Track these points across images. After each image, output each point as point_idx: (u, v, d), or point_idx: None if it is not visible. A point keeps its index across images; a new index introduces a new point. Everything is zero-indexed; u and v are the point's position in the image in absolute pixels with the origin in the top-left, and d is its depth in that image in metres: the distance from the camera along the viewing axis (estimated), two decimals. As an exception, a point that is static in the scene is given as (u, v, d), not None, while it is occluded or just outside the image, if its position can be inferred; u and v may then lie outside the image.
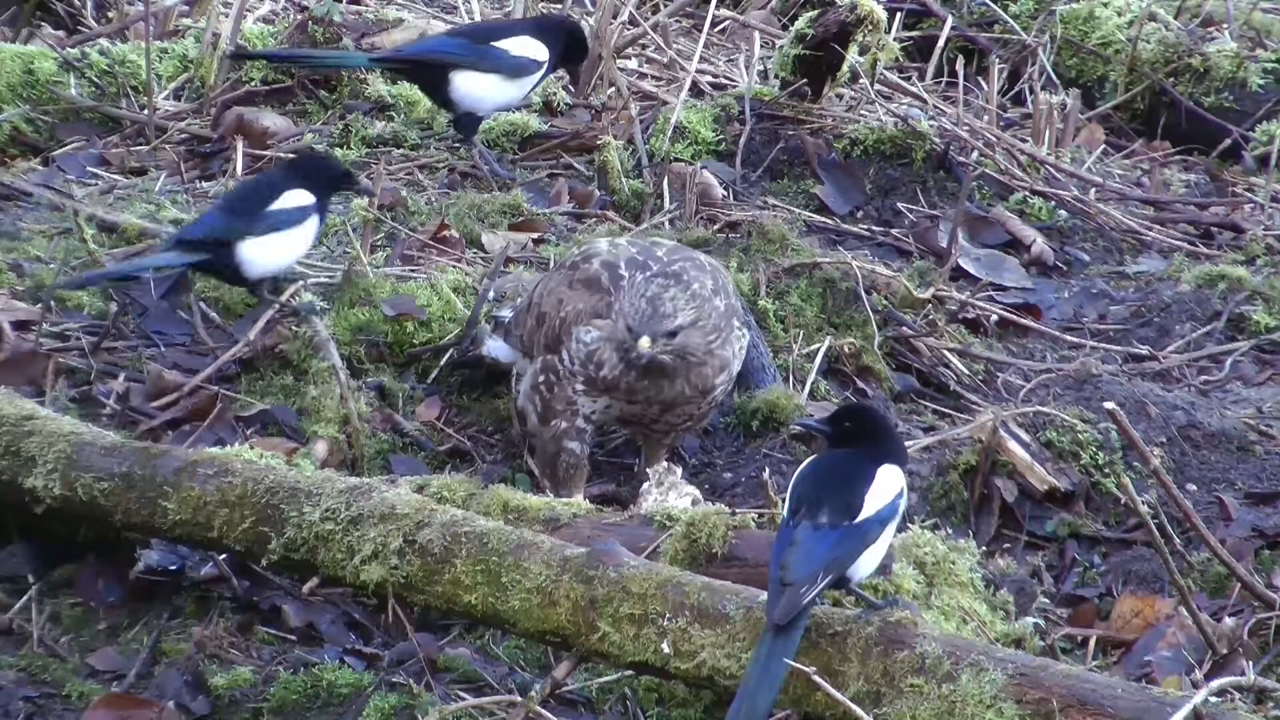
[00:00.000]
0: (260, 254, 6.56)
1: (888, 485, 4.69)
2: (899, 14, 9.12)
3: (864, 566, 4.66)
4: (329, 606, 5.56)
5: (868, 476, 4.68)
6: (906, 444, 6.18)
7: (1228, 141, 8.84)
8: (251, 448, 5.67)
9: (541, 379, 6.01)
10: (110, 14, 8.71)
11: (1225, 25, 9.34)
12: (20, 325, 6.47)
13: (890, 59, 8.35)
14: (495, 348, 6.39)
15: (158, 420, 6.17)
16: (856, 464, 4.71)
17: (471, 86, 7.64)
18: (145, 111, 7.95)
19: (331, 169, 6.87)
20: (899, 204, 7.98)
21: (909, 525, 5.59)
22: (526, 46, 7.68)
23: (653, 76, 8.78)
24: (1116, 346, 7.31)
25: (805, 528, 4.61)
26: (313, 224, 6.68)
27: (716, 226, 7.49)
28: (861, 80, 8.24)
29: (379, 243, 7.14)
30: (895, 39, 8.58)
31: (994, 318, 7.35)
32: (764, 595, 4.69)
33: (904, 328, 7.00)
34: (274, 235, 6.58)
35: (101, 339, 6.48)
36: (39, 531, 5.59)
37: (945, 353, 7.03)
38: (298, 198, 6.67)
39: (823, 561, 4.57)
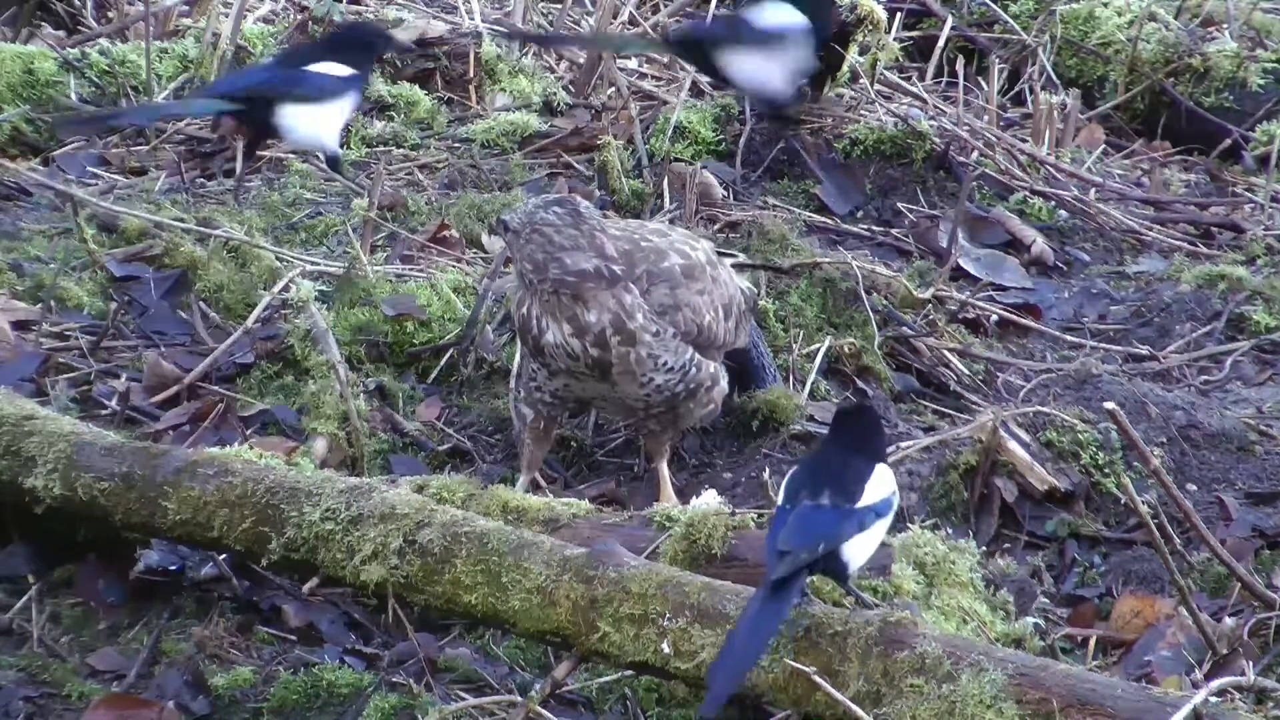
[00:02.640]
0: (299, 121, 6.46)
1: (884, 482, 4.78)
2: (899, 14, 9.12)
3: (856, 555, 4.70)
4: (329, 606, 5.56)
5: (867, 470, 4.77)
6: (906, 444, 6.21)
7: (1228, 141, 8.84)
8: (251, 447, 5.67)
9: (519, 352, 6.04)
10: (110, 14, 8.70)
11: (1225, 25, 9.34)
12: (20, 325, 6.47)
13: (890, 59, 8.35)
14: None
15: (163, 424, 6.17)
16: (855, 459, 4.81)
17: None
18: (145, 112, 7.95)
19: (369, 36, 6.79)
20: (899, 204, 7.97)
21: (909, 525, 5.59)
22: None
23: (653, 76, 8.79)
24: (1116, 346, 7.31)
25: (806, 506, 4.70)
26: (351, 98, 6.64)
27: (716, 226, 7.49)
28: (861, 80, 8.25)
29: (379, 243, 7.14)
30: (895, 39, 8.58)
31: (994, 318, 7.35)
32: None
33: (904, 328, 7.00)
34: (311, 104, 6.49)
35: (101, 338, 6.49)
36: (39, 531, 5.58)
37: (945, 353, 7.03)
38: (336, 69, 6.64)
39: (821, 533, 4.64)
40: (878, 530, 4.74)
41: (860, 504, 4.70)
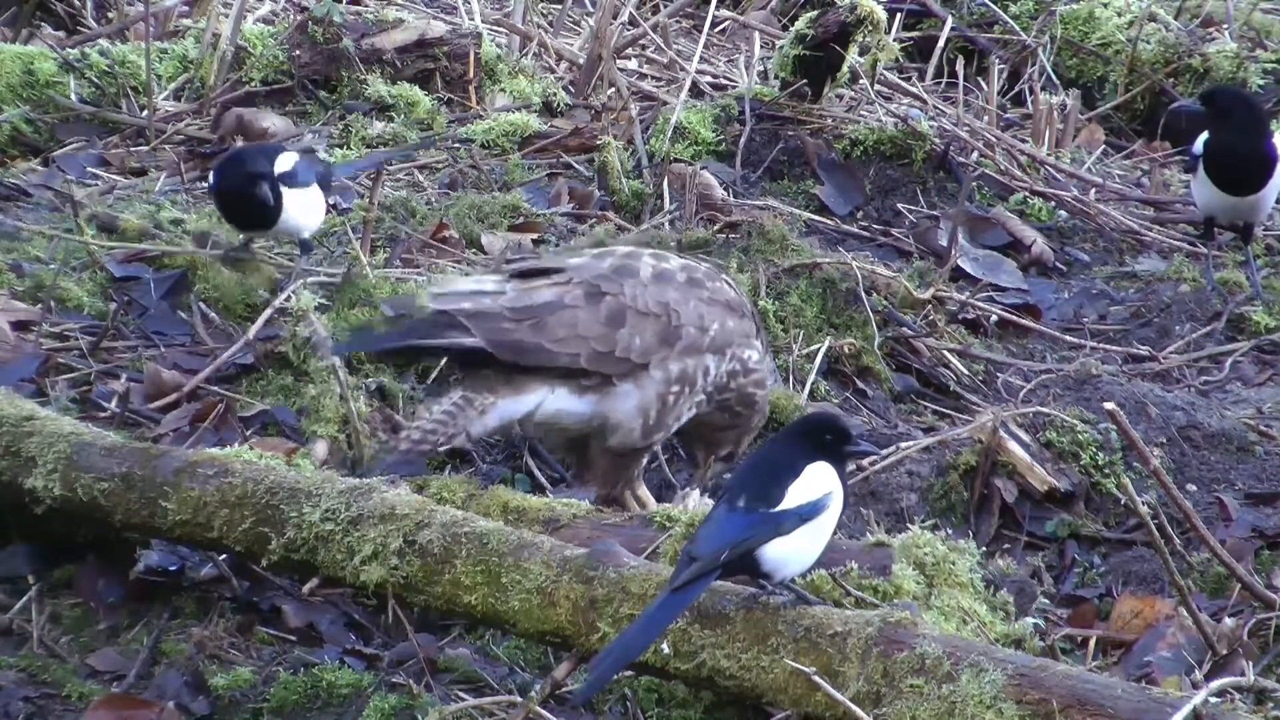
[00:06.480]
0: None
1: (816, 483, 4.71)
2: (899, 14, 9.13)
3: (782, 557, 4.67)
4: (329, 607, 5.56)
5: (795, 471, 4.70)
6: (906, 444, 6.21)
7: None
8: (251, 448, 5.66)
9: (675, 389, 5.79)
10: (110, 14, 8.71)
11: (1225, 25, 9.35)
12: (20, 325, 6.47)
13: (890, 59, 8.36)
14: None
15: (164, 428, 6.16)
16: (791, 458, 4.74)
17: None
18: (145, 114, 7.95)
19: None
20: (899, 204, 7.98)
21: (909, 525, 5.59)
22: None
23: (653, 77, 8.79)
24: (1116, 347, 7.31)
25: (722, 508, 4.69)
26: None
27: (716, 227, 7.48)
28: (861, 80, 8.25)
29: (379, 243, 7.14)
30: (895, 39, 8.59)
31: (994, 318, 7.35)
32: (762, 595, 4.71)
33: (904, 328, 7.00)
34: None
35: (101, 339, 6.48)
36: (39, 532, 5.58)
37: (945, 353, 7.03)
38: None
39: (729, 540, 4.62)
40: (804, 534, 4.68)
41: (779, 508, 4.66)
